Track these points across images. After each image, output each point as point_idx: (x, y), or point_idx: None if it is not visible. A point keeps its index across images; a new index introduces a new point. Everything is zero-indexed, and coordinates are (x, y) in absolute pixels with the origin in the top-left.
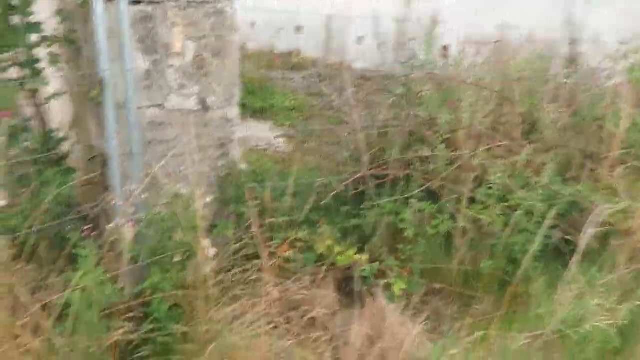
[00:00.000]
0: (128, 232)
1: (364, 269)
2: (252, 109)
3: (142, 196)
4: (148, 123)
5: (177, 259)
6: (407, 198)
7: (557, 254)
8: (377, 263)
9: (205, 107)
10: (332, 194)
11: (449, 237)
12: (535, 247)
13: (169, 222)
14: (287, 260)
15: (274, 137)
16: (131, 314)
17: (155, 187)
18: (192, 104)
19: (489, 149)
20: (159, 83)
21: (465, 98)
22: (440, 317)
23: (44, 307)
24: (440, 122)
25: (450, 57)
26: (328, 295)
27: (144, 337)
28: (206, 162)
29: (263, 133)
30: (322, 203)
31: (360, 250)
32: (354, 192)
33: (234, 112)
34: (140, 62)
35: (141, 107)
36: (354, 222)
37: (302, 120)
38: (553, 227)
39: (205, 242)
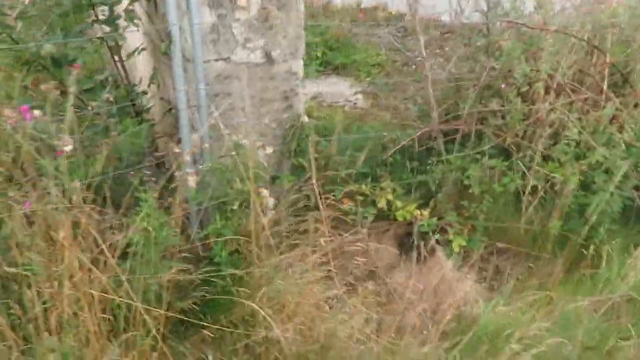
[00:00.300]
0: (191, 180)
1: (423, 224)
2: (334, 65)
3: (206, 146)
4: (215, 76)
5: (235, 207)
6: (477, 154)
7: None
8: (436, 218)
9: (270, 60)
10: (395, 149)
11: (519, 195)
12: (610, 207)
13: (231, 172)
14: (346, 212)
15: (353, 94)
16: (191, 256)
17: (220, 138)
18: (257, 57)
19: (570, 103)
20: (225, 37)
21: (546, 47)
22: (503, 276)
23: (111, 246)
24: (517, 74)
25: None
26: (386, 248)
27: (203, 278)
28: (270, 114)
29: (343, 89)
30: (384, 157)
31: (425, 207)
32: (421, 147)
33: (298, 65)
34: (207, 16)
35: (208, 61)
36: (419, 177)
37: (382, 76)
38: (635, 187)
39: (265, 192)
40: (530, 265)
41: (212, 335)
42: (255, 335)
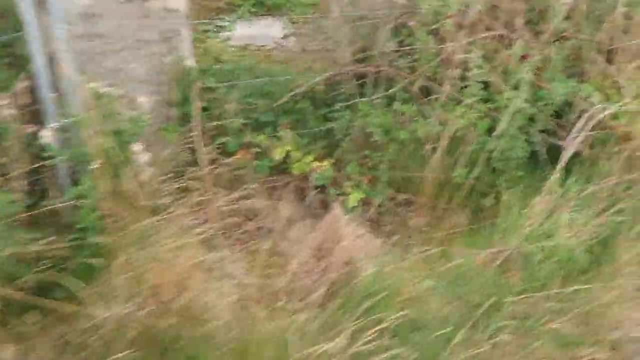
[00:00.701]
0: (47, 135)
1: (317, 177)
2: (266, 6)
3: (69, 98)
4: (77, 14)
5: (97, 165)
6: (388, 98)
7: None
8: (331, 169)
9: None
10: (294, 93)
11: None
12: (515, 153)
13: (97, 126)
14: (237, 167)
15: (282, 37)
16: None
17: (86, 88)
18: None
19: (483, 41)
20: None
21: None
22: (407, 230)
23: None
24: (425, 9)
25: None
26: (283, 205)
27: (65, 248)
28: (149, 58)
29: (274, 31)
30: (281, 103)
31: (329, 157)
32: (333, 92)
33: (179, 1)
34: None
35: None
36: (328, 125)
37: (316, 18)
38: (543, 131)
39: (137, 147)
40: (438, 217)
41: (58, 314)
42: (97, 315)
